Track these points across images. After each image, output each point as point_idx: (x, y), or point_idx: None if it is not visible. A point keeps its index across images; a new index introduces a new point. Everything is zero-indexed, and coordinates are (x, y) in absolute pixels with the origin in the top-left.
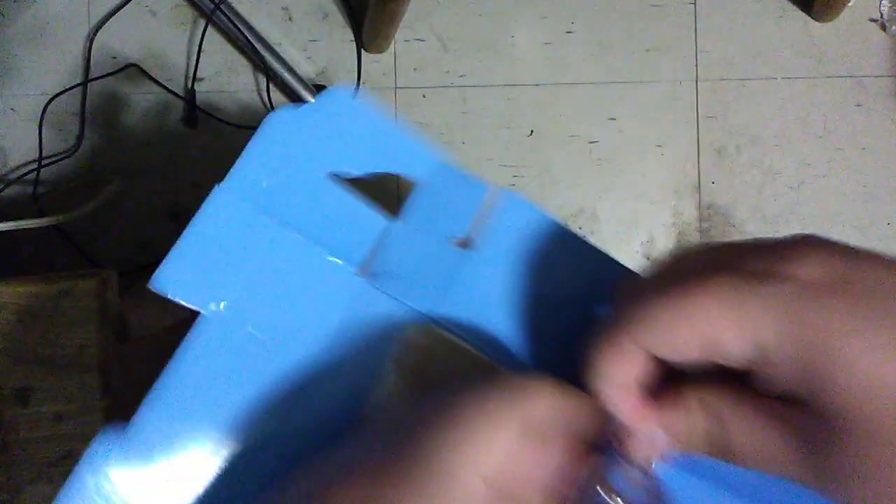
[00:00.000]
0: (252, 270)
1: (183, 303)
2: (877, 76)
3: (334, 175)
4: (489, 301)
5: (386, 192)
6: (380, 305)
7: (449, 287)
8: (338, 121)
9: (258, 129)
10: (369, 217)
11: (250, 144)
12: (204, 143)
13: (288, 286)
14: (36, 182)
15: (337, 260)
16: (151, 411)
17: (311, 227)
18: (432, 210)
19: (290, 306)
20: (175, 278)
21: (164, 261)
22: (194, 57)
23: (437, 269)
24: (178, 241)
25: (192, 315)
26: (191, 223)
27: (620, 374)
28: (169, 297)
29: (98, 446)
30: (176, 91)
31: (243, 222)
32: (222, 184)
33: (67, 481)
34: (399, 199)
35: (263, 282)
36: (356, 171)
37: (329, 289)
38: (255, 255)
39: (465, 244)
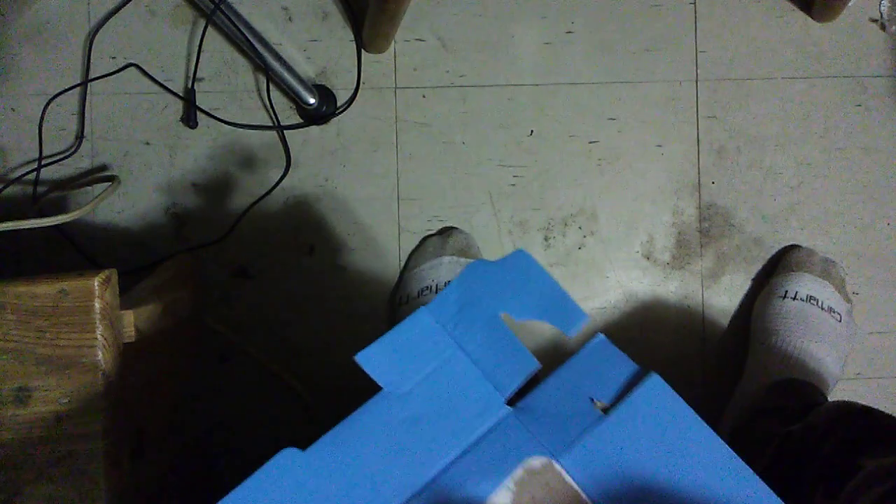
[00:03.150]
0: (427, 373)
1: (373, 377)
2: (877, 76)
3: (504, 316)
4: (610, 465)
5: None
6: (514, 434)
7: (578, 441)
8: (518, 276)
9: (463, 272)
10: (525, 358)
11: (455, 281)
12: (204, 143)
13: (447, 395)
14: (36, 182)
15: (494, 389)
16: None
17: (480, 355)
18: (586, 372)
19: (441, 412)
20: (374, 359)
21: (373, 344)
22: (194, 57)
23: (574, 422)
24: (385, 335)
25: (194, 319)
26: (396, 327)
27: None
28: (366, 370)
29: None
30: (176, 91)
31: (433, 337)
32: (429, 305)
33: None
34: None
35: (431, 384)
36: (521, 317)
37: (478, 408)
38: (433, 363)
39: (605, 410)
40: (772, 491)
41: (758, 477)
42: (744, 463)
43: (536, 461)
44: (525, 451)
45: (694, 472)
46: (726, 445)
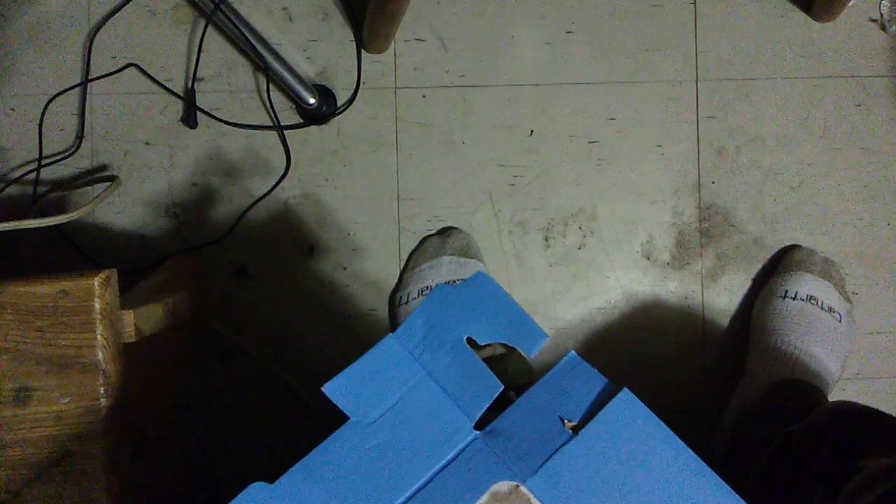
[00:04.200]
0: (395, 400)
1: (341, 408)
2: (877, 76)
3: (469, 340)
4: (580, 485)
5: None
6: (482, 459)
7: (547, 462)
8: (480, 299)
9: (427, 298)
10: (490, 382)
11: (420, 307)
12: (204, 143)
13: (414, 421)
14: (36, 182)
15: (461, 413)
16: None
17: (446, 380)
18: (557, 391)
19: (409, 439)
20: (342, 389)
21: (341, 374)
22: (194, 57)
23: (543, 443)
24: (353, 364)
25: (194, 319)
26: (363, 356)
27: None
28: (334, 400)
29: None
30: (176, 91)
31: (400, 364)
32: (395, 332)
33: None
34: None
35: (399, 412)
36: (485, 340)
37: (446, 434)
38: (400, 390)
39: (575, 429)
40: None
41: (733, 491)
42: (717, 476)
43: (504, 486)
44: (492, 475)
45: (665, 489)
46: (699, 459)
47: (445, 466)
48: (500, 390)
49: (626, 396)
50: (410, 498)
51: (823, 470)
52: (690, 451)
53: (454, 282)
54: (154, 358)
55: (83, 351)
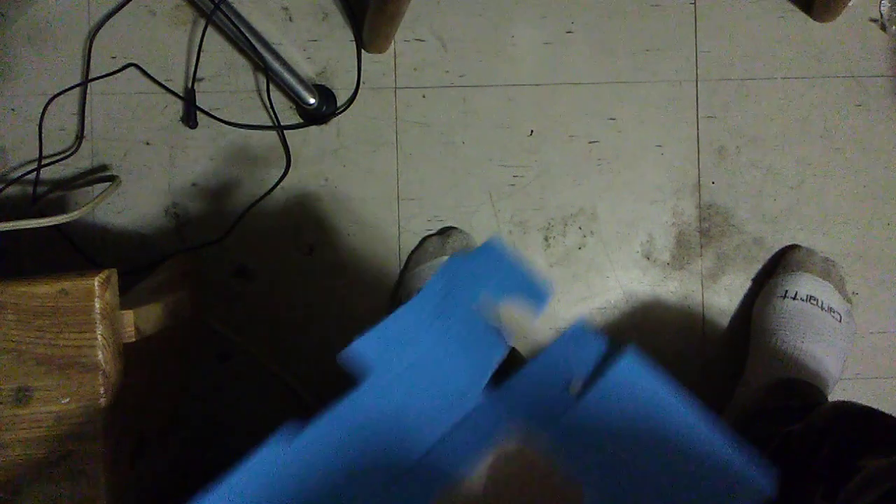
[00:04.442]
0: (408, 365)
1: (356, 372)
2: (877, 76)
3: (480, 305)
4: (587, 445)
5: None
6: (490, 419)
7: (554, 421)
8: (491, 266)
9: (443, 267)
10: (499, 346)
11: (436, 276)
12: (204, 143)
13: (427, 384)
14: (36, 182)
15: (472, 376)
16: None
17: (458, 344)
18: (565, 355)
19: (422, 401)
20: (358, 354)
21: (356, 340)
22: (194, 57)
23: (551, 404)
24: (368, 332)
25: (194, 319)
26: (379, 324)
27: None
28: (349, 365)
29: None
30: (176, 91)
31: (415, 329)
32: (411, 301)
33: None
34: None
35: (412, 375)
36: (498, 304)
37: (456, 395)
38: (413, 355)
39: (581, 390)
40: (749, 450)
41: (740, 441)
42: (726, 428)
43: (511, 443)
44: (501, 434)
45: (673, 446)
46: (708, 414)
47: (455, 427)
48: (507, 351)
49: (631, 358)
50: (421, 457)
51: (823, 470)
52: (699, 406)
53: None
54: (154, 358)
55: (83, 351)
